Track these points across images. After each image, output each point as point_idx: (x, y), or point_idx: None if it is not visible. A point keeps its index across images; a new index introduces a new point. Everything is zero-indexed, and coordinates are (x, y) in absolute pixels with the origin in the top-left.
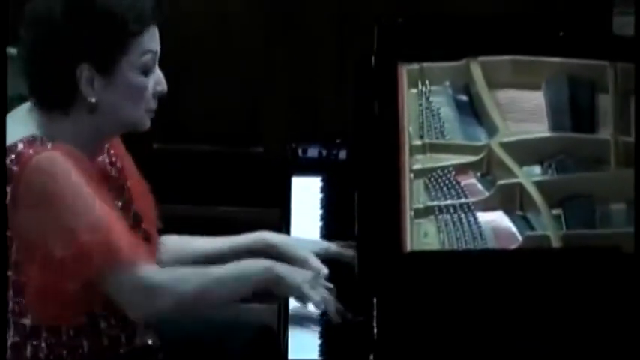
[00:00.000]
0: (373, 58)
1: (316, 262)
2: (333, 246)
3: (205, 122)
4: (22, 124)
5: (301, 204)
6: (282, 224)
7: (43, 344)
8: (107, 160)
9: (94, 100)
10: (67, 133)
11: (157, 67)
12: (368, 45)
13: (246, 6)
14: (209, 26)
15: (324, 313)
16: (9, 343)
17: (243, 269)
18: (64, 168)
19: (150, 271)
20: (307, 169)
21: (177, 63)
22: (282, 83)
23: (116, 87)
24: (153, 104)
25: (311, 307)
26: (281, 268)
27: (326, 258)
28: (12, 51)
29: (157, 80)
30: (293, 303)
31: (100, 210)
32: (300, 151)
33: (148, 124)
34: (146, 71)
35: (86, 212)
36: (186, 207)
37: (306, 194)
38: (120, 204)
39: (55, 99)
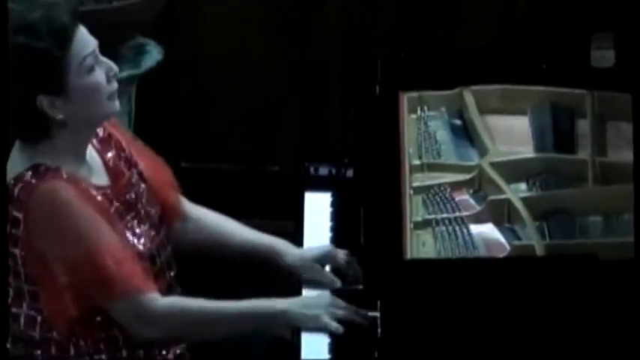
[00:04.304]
0: (377, 88)
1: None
2: (341, 253)
3: (228, 144)
4: (17, 163)
5: (313, 217)
6: (297, 234)
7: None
8: (115, 153)
9: (62, 116)
10: (59, 151)
11: (99, 57)
12: (371, 76)
13: (264, 48)
14: (232, 61)
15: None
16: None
17: (252, 310)
18: (64, 198)
19: (148, 300)
20: (319, 185)
21: (203, 92)
22: (297, 110)
23: (75, 96)
24: (111, 88)
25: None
26: (295, 312)
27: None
28: None
29: (106, 67)
30: None
31: (98, 239)
32: (312, 170)
33: (117, 107)
34: (91, 70)
35: (84, 243)
36: None
37: (318, 208)
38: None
39: (35, 132)
